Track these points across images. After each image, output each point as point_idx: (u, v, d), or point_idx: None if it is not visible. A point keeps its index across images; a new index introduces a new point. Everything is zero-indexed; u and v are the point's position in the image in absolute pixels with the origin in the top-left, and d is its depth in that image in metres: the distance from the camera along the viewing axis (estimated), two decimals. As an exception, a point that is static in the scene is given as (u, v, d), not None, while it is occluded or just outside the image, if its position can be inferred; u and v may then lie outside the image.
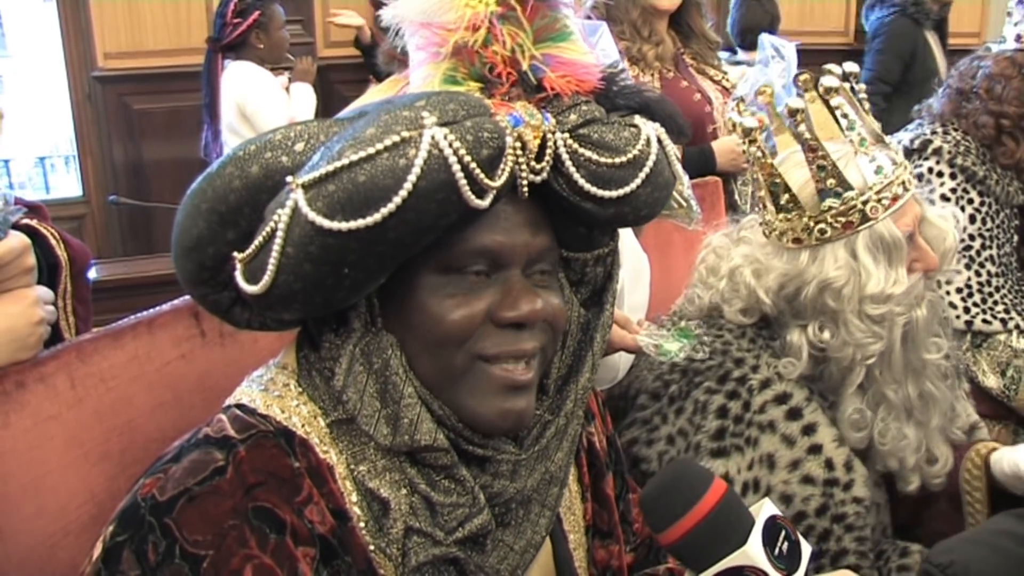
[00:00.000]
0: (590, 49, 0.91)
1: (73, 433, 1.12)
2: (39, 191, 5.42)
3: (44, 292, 1.10)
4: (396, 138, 0.75)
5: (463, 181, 0.77)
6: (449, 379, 0.87)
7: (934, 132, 2.02)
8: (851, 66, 1.41)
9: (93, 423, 1.14)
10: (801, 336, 1.38)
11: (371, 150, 0.75)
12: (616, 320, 1.38)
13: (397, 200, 0.75)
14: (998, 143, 1.98)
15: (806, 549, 0.90)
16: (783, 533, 0.88)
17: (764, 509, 0.89)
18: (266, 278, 0.78)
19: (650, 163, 0.88)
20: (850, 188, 1.33)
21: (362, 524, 0.87)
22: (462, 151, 0.76)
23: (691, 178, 2.01)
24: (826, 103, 1.38)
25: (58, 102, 5.09)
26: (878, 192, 1.33)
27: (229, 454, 0.83)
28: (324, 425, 0.88)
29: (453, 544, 0.87)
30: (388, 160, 0.75)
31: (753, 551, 0.85)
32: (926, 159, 1.99)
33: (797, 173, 1.37)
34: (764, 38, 2.73)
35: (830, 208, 1.33)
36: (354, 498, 0.87)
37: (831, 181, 1.32)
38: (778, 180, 1.36)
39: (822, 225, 1.34)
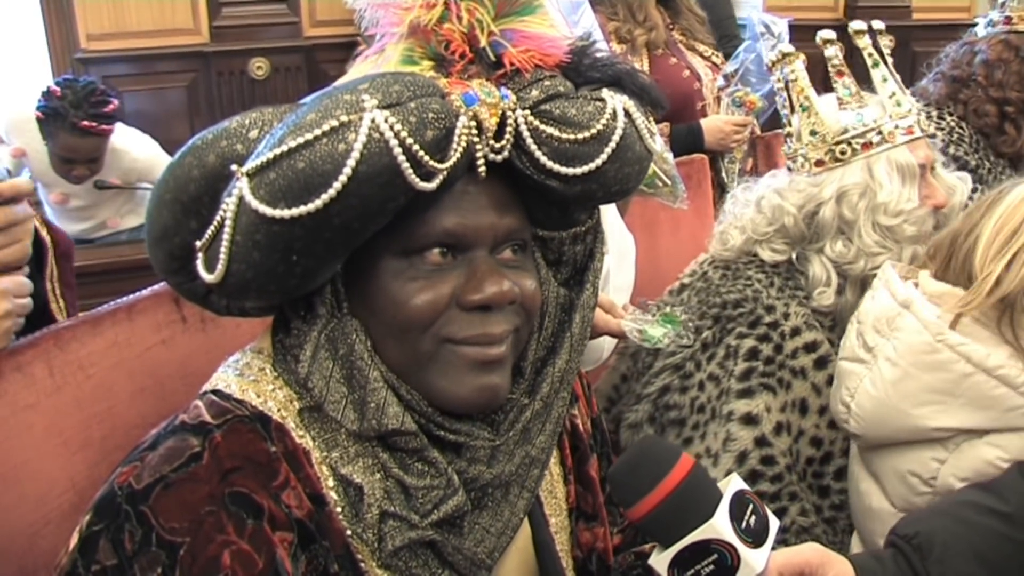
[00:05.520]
0: (563, 23, 0.88)
1: (52, 421, 1.11)
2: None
3: (16, 285, 1.07)
4: (335, 123, 0.74)
5: (405, 164, 0.75)
6: (417, 363, 0.86)
7: (928, 116, 1.99)
8: (878, 24, 1.57)
9: (72, 411, 1.13)
10: (821, 261, 1.48)
11: (310, 136, 0.74)
12: (601, 304, 1.37)
13: (337, 186, 0.74)
14: (999, 131, 1.96)
15: (774, 523, 0.90)
16: (750, 507, 0.89)
17: (731, 484, 0.90)
18: (219, 267, 0.78)
19: (616, 138, 0.85)
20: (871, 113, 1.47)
21: (339, 509, 0.86)
22: (403, 134, 0.75)
23: (680, 156, 2.00)
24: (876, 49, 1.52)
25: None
26: (897, 118, 1.46)
27: (205, 440, 0.82)
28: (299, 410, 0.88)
29: (429, 527, 0.86)
30: (327, 145, 0.74)
31: (720, 524, 0.85)
32: None
33: (825, 106, 1.50)
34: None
35: (850, 130, 1.47)
36: (331, 483, 0.86)
37: (854, 104, 1.47)
38: (807, 104, 1.50)
39: (843, 146, 1.47)
